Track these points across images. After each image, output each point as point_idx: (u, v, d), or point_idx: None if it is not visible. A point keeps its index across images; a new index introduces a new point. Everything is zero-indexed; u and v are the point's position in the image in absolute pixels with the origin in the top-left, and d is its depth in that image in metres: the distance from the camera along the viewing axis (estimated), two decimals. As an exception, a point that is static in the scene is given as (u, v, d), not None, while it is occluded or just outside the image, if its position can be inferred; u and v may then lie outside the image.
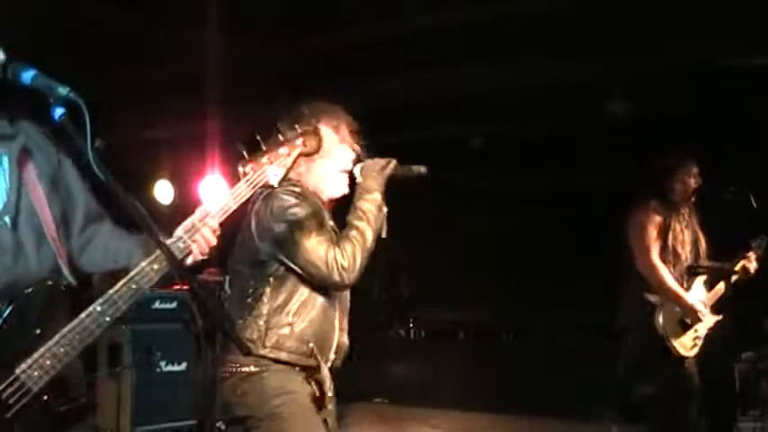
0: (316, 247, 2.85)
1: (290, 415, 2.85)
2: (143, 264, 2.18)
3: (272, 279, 2.92)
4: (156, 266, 2.17)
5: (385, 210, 3.00)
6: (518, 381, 8.10)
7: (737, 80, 6.20)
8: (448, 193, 7.81)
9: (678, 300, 4.78)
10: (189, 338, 6.45)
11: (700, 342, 4.83)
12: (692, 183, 4.89)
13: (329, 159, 3.06)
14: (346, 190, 3.11)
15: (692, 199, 4.93)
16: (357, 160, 3.11)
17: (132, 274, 2.16)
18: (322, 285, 2.93)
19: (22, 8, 5.11)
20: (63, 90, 2.01)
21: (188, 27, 5.54)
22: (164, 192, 8.98)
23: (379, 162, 3.06)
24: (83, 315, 2.12)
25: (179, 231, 2.27)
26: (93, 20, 5.41)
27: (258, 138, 2.50)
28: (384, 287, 9.98)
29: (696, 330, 4.81)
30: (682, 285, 4.84)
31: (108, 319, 2.12)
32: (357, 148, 3.14)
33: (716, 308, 4.95)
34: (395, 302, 10.09)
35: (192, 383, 6.33)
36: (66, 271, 2.29)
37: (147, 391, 6.52)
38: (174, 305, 6.80)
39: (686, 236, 4.90)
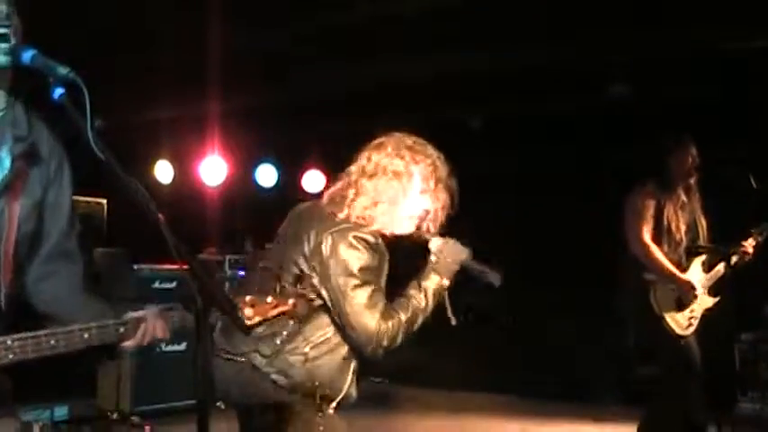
0: (363, 311, 2.72)
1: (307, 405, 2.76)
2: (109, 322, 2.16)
3: None
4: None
5: (446, 297, 2.92)
6: (517, 362, 8.13)
7: (737, 62, 6.19)
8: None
9: (672, 276, 4.77)
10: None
11: (695, 322, 4.83)
12: (691, 162, 4.88)
13: (407, 202, 2.91)
14: (412, 230, 2.96)
15: (692, 179, 4.93)
16: (440, 232, 2.97)
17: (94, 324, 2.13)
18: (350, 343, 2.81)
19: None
20: (63, 70, 1.97)
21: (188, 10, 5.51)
22: (164, 172, 8.99)
23: (460, 249, 2.95)
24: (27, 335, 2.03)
25: (128, 315, 2.22)
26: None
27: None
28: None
29: (692, 310, 4.82)
30: (679, 266, 4.82)
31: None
32: (440, 202, 2.96)
33: (715, 290, 4.96)
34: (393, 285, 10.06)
35: (192, 363, 6.34)
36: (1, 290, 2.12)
37: (147, 371, 6.54)
38: (173, 284, 6.81)
39: (681, 217, 4.88)
